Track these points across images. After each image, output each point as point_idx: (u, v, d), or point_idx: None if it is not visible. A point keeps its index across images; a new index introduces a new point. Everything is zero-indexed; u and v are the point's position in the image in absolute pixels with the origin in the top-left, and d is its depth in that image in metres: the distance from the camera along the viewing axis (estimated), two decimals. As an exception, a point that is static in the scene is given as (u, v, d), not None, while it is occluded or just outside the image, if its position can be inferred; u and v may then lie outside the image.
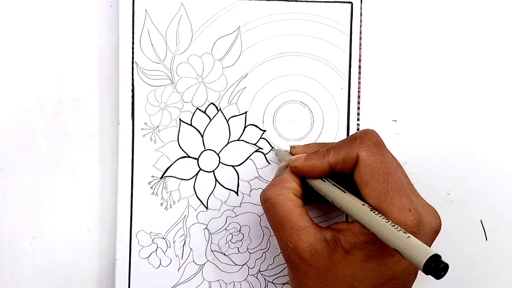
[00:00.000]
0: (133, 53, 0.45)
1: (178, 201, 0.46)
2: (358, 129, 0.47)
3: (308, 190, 0.41)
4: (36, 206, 0.47)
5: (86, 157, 0.47)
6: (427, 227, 0.38)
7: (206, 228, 0.47)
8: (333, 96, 0.47)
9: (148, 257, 0.46)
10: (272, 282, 0.47)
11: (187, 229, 0.46)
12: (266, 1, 0.46)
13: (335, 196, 0.39)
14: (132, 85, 0.46)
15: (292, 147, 0.46)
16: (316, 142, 0.47)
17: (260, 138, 0.47)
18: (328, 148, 0.40)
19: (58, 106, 0.47)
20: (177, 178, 0.46)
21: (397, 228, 0.34)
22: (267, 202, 0.39)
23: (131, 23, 0.45)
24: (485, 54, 0.48)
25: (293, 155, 0.44)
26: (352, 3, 0.46)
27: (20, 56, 0.47)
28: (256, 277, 0.47)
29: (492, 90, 0.48)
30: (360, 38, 0.47)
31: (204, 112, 0.46)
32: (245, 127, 0.47)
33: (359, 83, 0.47)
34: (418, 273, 0.42)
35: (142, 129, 0.46)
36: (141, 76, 0.45)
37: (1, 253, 0.47)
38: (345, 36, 0.47)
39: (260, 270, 0.47)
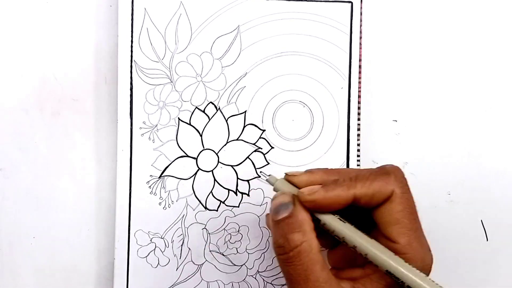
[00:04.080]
0: (132, 52, 0.45)
1: (176, 201, 0.46)
2: (359, 129, 0.47)
3: None
4: (36, 206, 0.47)
5: (85, 157, 0.47)
6: (430, 265, 0.37)
7: (204, 228, 0.47)
8: (333, 96, 0.47)
9: (146, 257, 0.46)
10: (271, 283, 0.47)
11: (186, 228, 0.46)
12: (265, 0, 0.46)
13: (360, 240, 0.35)
14: (131, 84, 0.45)
15: (290, 175, 0.39)
16: (319, 167, 0.40)
17: (260, 137, 0.47)
18: (351, 178, 0.36)
19: (58, 106, 0.47)
20: (175, 177, 0.46)
21: (431, 280, 0.33)
22: (293, 251, 0.34)
23: (130, 21, 0.45)
24: (485, 54, 0.48)
25: (293, 184, 0.38)
26: (352, 3, 0.46)
27: (20, 55, 0.47)
28: (255, 278, 0.47)
29: (493, 90, 0.48)
30: (360, 38, 0.47)
31: (203, 112, 0.46)
32: (244, 126, 0.47)
33: (359, 82, 0.47)
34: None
35: (140, 128, 0.46)
36: (139, 75, 0.45)
37: (1, 253, 0.47)
38: (345, 36, 0.47)
39: (259, 270, 0.47)
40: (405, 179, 0.36)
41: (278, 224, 0.36)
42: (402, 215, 0.35)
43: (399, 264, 0.34)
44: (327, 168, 0.39)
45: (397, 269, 0.33)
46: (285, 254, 0.35)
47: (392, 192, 0.35)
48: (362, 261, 0.36)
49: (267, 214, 0.40)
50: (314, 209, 0.36)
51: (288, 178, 0.38)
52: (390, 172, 0.36)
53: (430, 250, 0.36)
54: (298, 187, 0.37)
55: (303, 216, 0.35)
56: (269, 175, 0.39)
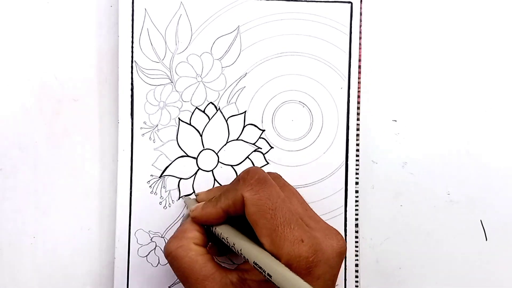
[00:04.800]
0: (132, 52, 0.45)
1: (177, 200, 0.46)
2: (358, 129, 0.47)
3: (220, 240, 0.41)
4: (36, 206, 0.47)
5: (86, 157, 0.47)
6: (329, 251, 0.38)
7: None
8: (332, 96, 0.47)
9: (146, 256, 0.46)
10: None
11: (186, 228, 0.46)
12: (265, 1, 0.46)
13: (234, 240, 0.39)
14: (132, 84, 0.46)
15: (196, 194, 0.46)
16: (216, 186, 0.47)
17: (259, 137, 0.47)
18: (220, 193, 0.40)
19: (58, 106, 0.47)
20: (176, 177, 0.46)
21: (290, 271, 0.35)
22: (169, 256, 0.39)
23: (131, 22, 0.45)
24: (485, 54, 0.48)
25: (198, 202, 0.44)
26: (351, 3, 0.46)
27: (20, 56, 0.47)
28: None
29: (492, 90, 0.48)
30: (360, 38, 0.47)
31: (203, 112, 0.46)
32: (244, 126, 0.47)
33: (359, 83, 0.47)
34: (419, 272, 0.42)
35: (141, 128, 0.46)
36: (140, 75, 0.46)
37: (1, 253, 0.47)
38: (344, 36, 0.47)
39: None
40: (257, 179, 0.38)
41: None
42: (258, 216, 0.37)
43: (259, 255, 0.36)
44: (224, 185, 0.45)
45: (257, 259, 0.36)
46: (166, 258, 0.39)
47: (243, 197, 0.38)
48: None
49: None
50: (199, 223, 0.41)
51: (196, 197, 0.46)
52: (240, 178, 0.39)
53: (304, 240, 0.36)
54: None
55: (187, 227, 0.41)
56: (186, 197, 0.46)
